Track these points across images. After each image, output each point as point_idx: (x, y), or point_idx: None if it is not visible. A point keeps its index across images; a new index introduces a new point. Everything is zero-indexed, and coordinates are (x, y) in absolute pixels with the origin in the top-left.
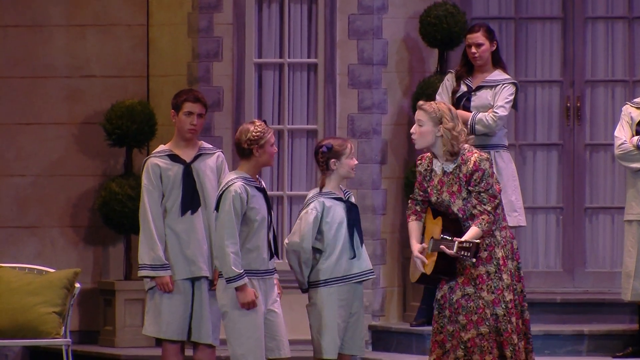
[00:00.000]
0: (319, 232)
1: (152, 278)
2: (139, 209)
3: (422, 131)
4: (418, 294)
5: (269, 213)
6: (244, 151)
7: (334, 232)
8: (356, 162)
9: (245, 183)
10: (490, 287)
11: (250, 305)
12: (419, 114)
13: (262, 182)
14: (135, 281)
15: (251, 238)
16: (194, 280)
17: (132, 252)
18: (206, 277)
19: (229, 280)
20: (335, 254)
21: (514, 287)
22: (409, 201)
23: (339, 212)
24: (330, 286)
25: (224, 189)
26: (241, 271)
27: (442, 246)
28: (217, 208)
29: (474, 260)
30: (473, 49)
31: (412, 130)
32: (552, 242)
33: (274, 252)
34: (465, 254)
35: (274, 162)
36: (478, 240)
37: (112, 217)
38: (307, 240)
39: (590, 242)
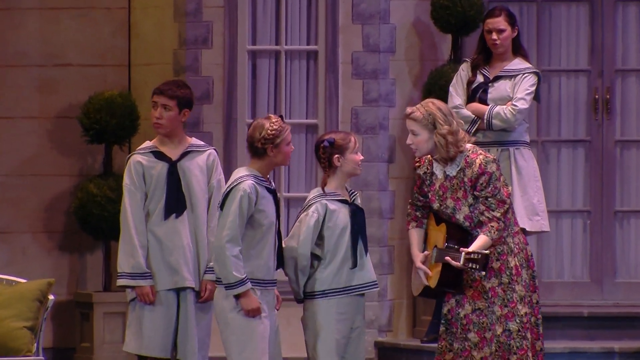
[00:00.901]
0: (320, 237)
1: (133, 288)
2: (120, 210)
3: (419, 141)
4: (429, 307)
5: (278, 217)
6: (257, 150)
7: (335, 239)
8: (362, 157)
9: (256, 182)
10: (504, 300)
11: (255, 313)
12: (410, 124)
13: (273, 183)
14: (115, 292)
15: (256, 244)
16: (179, 292)
17: (112, 261)
18: (192, 289)
19: (229, 287)
20: (335, 262)
21: (529, 298)
22: (408, 206)
23: (342, 216)
24: (329, 298)
25: (232, 186)
26: (243, 276)
27: (447, 257)
28: (221, 206)
29: (484, 273)
30: (494, 36)
31: (408, 142)
32: (578, 250)
33: (280, 262)
34: (474, 266)
35: (289, 162)
36: (487, 251)
37: (90, 222)
38: (306, 246)
39: (621, 249)
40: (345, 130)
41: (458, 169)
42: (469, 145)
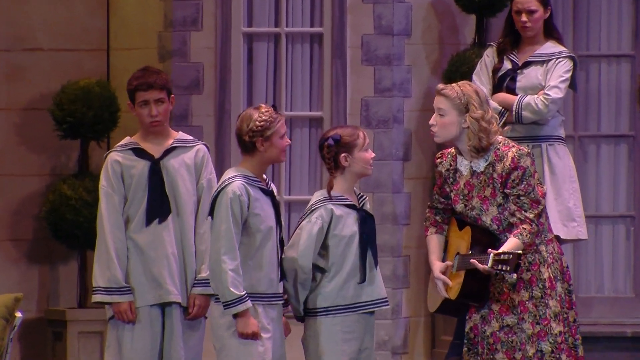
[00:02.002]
0: (324, 246)
1: (110, 304)
2: (97, 217)
3: (444, 122)
4: (450, 326)
5: (279, 222)
6: (245, 144)
7: (342, 249)
8: (373, 154)
9: (246, 183)
10: (535, 316)
11: (251, 337)
12: (439, 101)
13: (271, 184)
14: (91, 309)
15: (254, 253)
16: (164, 308)
17: (88, 273)
18: (178, 304)
19: (227, 305)
20: (341, 275)
21: (565, 315)
22: (427, 210)
23: (350, 223)
24: (334, 316)
25: (219, 190)
26: (242, 293)
27: (472, 260)
28: (211, 214)
29: (514, 276)
30: (523, 17)
31: (431, 122)
32: (620, 260)
33: (283, 273)
34: (504, 269)
35: (285, 158)
36: (519, 251)
37: (63, 228)
38: (307, 257)
39: None
40: (354, 124)
41: (487, 163)
42: (499, 138)
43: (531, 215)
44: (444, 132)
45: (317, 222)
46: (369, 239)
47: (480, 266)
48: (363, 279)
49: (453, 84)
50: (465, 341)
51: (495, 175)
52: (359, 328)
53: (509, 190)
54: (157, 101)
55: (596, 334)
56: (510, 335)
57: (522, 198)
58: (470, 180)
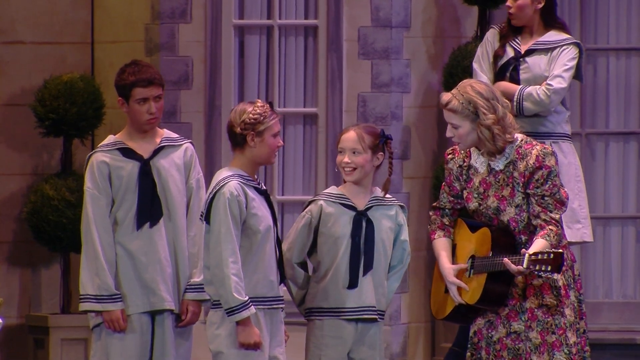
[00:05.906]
0: (316, 244)
1: (99, 313)
2: (81, 219)
3: (461, 134)
4: (451, 332)
5: (275, 222)
6: (236, 138)
7: (328, 248)
8: (347, 160)
9: (242, 182)
10: (550, 326)
11: (252, 347)
12: (449, 116)
13: (262, 183)
14: (75, 315)
15: (254, 255)
16: (154, 315)
17: (72, 277)
18: (171, 311)
19: (230, 312)
20: (324, 276)
21: (577, 326)
22: (432, 212)
23: (341, 223)
24: (315, 318)
25: (214, 191)
26: (245, 299)
27: (505, 260)
28: (207, 218)
29: (557, 276)
30: (509, 2)
31: (448, 135)
32: (629, 264)
33: (283, 275)
34: (544, 269)
35: (275, 159)
36: (561, 250)
37: (45, 230)
38: (291, 251)
39: None
40: (352, 122)
41: (507, 161)
42: (520, 136)
43: (557, 216)
44: (464, 141)
45: (304, 217)
46: (361, 241)
47: (513, 267)
48: (349, 285)
49: (454, 92)
50: (469, 346)
51: (516, 174)
52: (347, 334)
53: (532, 191)
54: (156, 98)
55: (604, 341)
56: (517, 343)
57: (546, 198)
58: (487, 178)
